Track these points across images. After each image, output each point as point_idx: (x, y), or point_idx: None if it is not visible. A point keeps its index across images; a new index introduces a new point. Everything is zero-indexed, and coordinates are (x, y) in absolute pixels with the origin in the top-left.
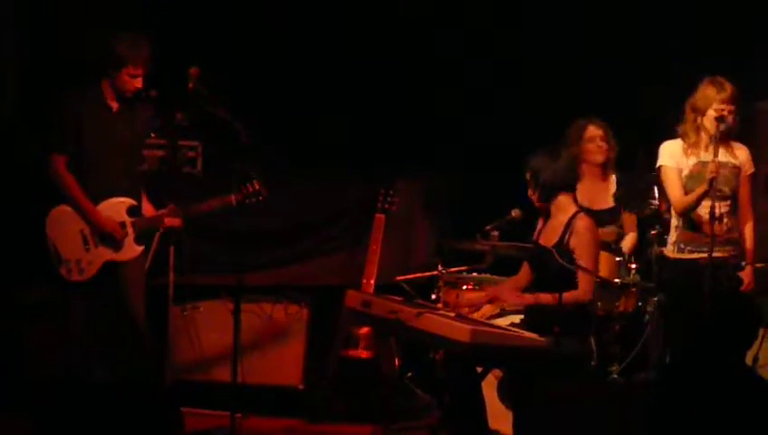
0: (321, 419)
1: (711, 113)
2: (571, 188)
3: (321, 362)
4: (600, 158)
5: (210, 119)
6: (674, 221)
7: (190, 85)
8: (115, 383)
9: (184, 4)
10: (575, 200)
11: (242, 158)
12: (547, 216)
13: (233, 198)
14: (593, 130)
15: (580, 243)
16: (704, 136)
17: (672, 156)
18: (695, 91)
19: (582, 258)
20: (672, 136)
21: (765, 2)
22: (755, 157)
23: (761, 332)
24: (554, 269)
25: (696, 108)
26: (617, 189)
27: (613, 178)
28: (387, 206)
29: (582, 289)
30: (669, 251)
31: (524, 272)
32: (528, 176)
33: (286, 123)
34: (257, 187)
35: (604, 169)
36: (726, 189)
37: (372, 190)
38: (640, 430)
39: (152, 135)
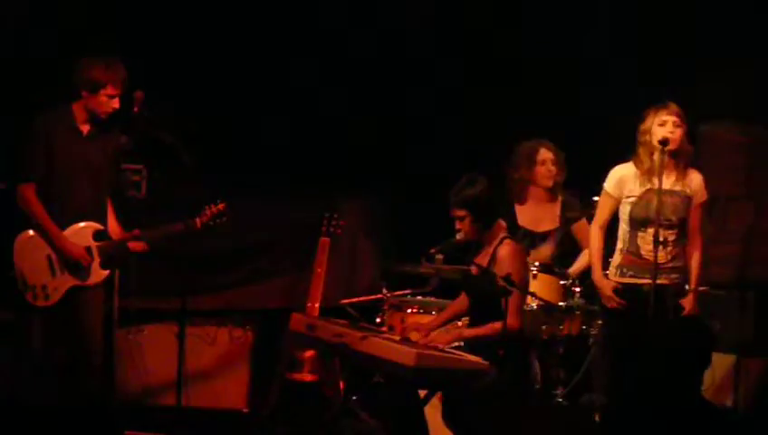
0: None
1: (656, 130)
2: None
3: (266, 386)
4: (549, 182)
5: (154, 142)
6: (618, 244)
7: (135, 109)
8: (61, 407)
9: (128, 27)
10: (503, 225)
11: (186, 181)
12: (478, 245)
13: (197, 220)
14: (545, 154)
15: (501, 270)
16: (656, 162)
17: (618, 183)
18: (643, 118)
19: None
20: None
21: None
22: None
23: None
24: (493, 293)
25: (644, 131)
26: (564, 211)
27: (560, 199)
28: (331, 229)
29: (510, 319)
30: (612, 274)
31: (463, 297)
32: (462, 212)
33: (228, 145)
34: (222, 208)
35: (551, 192)
36: (674, 218)
37: (316, 213)
38: None
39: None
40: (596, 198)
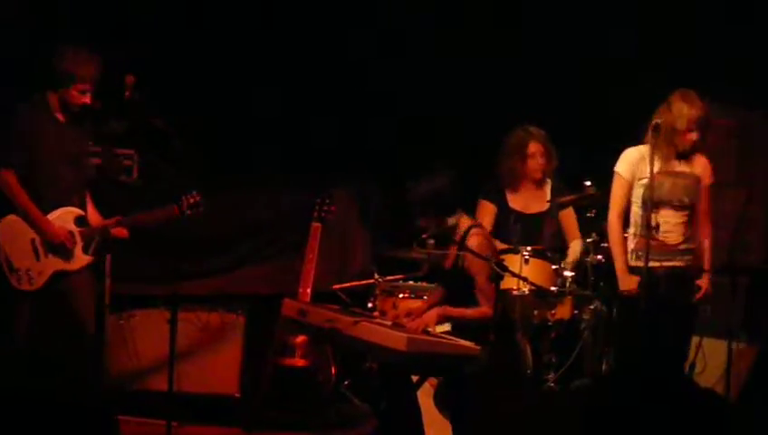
0: (257, 427)
1: (680, 129)
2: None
3: (258, 371)
4: (538, 174)
5: (146, 127)
6: (631, 229)
7: (127, 94)
8: (52, 391)
9: (117, 11)
10: (468, 215)
11: (177, 165)
12: (444, 237)
13: (175, 208)
14: (535, 147)
15: (471, 261)
16: (672, 147)
17: (630, 165)
18: (666, 103)
19: (479, 276)
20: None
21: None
22: None
23: (696, 340)
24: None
25: (666, 120)
26: (552, 196)
27: (549, 183)
28: (323, 214)
29: (483, 305)
30: (630, 259)
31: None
32: (419, 212)
33: (221, 130)
34: (197, 199)
35: (541, 179)
36: (686, 199)
37: (308, 198)
38: None
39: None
40: (588, 183)
